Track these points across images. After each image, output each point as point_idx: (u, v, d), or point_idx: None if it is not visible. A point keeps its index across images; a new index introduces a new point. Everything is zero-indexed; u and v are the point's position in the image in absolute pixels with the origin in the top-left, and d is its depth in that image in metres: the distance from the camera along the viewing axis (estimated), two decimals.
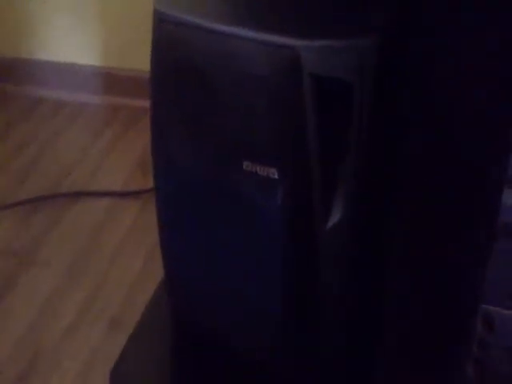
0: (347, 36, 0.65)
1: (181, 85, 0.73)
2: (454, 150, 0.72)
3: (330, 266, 0.74)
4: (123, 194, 1.37)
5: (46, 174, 1.43)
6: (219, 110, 0.71)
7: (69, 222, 1.31)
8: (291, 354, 0.82)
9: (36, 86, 1.66)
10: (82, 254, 1.24)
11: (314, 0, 0.70)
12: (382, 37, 0.65)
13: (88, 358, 1.06)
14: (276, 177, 0.70)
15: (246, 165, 0.71)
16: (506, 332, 0.70)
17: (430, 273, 0.79)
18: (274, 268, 0.76)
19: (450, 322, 0.79)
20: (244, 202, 0.74)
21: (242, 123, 0.71)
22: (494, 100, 0.68)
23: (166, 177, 0.80)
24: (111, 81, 1.63)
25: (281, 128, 0.69)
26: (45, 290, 1.17)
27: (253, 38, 0.67)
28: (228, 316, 0.83)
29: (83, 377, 1.03)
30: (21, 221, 1.32)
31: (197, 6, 0.72)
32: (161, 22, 0.72)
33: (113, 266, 1.22)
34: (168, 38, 0.72)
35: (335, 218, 0.71)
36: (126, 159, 1.47)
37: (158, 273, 0.94)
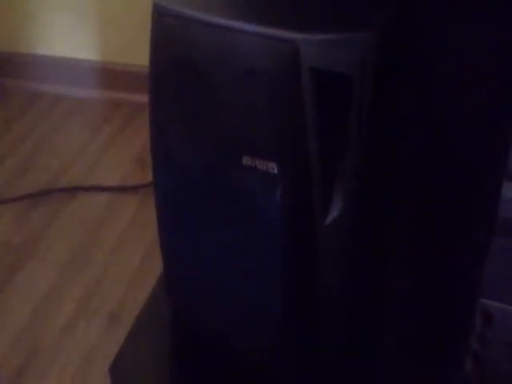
0: (347, 30, 0.65)
1: (180, 79, 0.73)
2: (453, 149, 0.72)
3: (330, 264, 0.74)
4: (122, 190, 1.37)
5: (44, 169, 1.43)
6: (218, 104, 0.71)
7: (67, 217, 1.31)
8: (291, 354, 0.81)
9: (35, 81, 1.66)
10: (80, 250, 1.24)
11: None
12: (382, 32, 0.65)
13: (87, 354, 1.06)
14: (275, 172, 0.70)
15: (246, 160, 0.71)
16: (505, 327, 0.70)
17: (430, 271, 0.79)
18: (273, 265, 0.76)
19: (450, 320, 0.79)
20: (243, 199, 0.74)
21: (241, 118, 0.70)
22: (494, 99, 0.68)
23: (165, 173, 0.80)
24: (110, 76, 1.63)
25: (280, 123, 0.69)
26: (43, 285, 1.17)
27: (252, 32, 0.66)
28: (227, 315, 0.83)
29: (82, 373, 1.03)
30: (19, 216, 1.31)
31: (196, 0, 0.72)
32: (160, 16, 0.72)
33: (111, 262, 1.22)
34: (167, 33, 0.72)
35: (334, 214, 0.71)
36: (124, 154, 1.47)
37: (156, 268, 0.94)
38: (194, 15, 0.69)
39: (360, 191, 0.71)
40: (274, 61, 0.66)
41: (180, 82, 0.73)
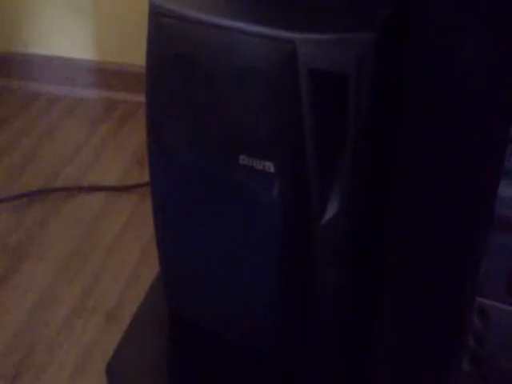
0: (345, 30, 0.65)
1: (177, 78, 0.73)
2: (451, 147, 0.72)
3: (327, 261, 0.74)
4: (119, 189, 1.37)
5: (41, 169, 1.42)
6: (215, 104, 0.71)
7: (64, 217, 1.31)
8: (289, 347, 0.82)
9: (31, 81, 1.66)
10: (77, 249, 1.24)
11: None
12: (380, 31, 0.65)
13: (84, 353, 1.06)
14: (272, 171, 0.70)
15: (243, 159, 0.71)
16: (502, 326, 0.70)
17: (427, 270, 0.79)
18: (270, 264, 0.76)
19: (446, 319, 0.79)
20: (240, 197, 0.74)
21: (238, 117, 0.70)
22: (492, 98, 0.68)
23: (161, 172, 0.80)
24: (107, 75, 1.63)
25: (277, 122, 0.69)
26: (41, 284, 1.17)
27: (250, 32, 0.67)
28: (226, 312, 0.83)
29: (80, 370, 1.03)
30: (16, 215, 1.31)
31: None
32: (157, 15, 0.72)
33: (109, 260, 1.22)
34: (164, 32, 0.72)
35: (331, 213, 0.71)
36: (121, 154, 1.47)
37: (153, 267, 0.94)
38: (191, 15, 0.69)
39: (357, 191, 0.71)
40: (272, 60, 0.67)
41: (177, 80, 0.73)
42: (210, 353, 0.86)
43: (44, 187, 1.37)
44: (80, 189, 1.37)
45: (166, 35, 0.72)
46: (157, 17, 0.72)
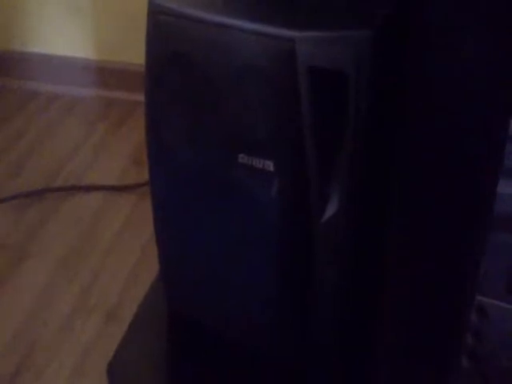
0: (343, 28, 0.65)
1: (176, 77, 0.73)
2: (451, 146, 0.72)
3: (326, 260, 0.74)
4: (117, 188, 1.37)
5: (40, 168, 1.42)
6: (214, 102, 0.71)
7: (63, 216, 1.31)
8: (289, 345, 0.82)
9: (30, 79, 1.66)
10: (76, 248, 1.24)
11: None
12: (378, 30, 0.65)
13: (84, 353, 1.06)
14: (272, 169, 0.70)
15: (242, 157, 0.71)
16: (501, 324, 0.70)
17: (426, 268, 0.79)
18: (270, 260, 0.76)
19: (445, 317, 0.79)
20: (240, 196, 0.74)
21: (237, 116, 0.70)
22: (492, 97, 0.68)
23: (161, 170, 0.80)
24: (105, 74, 1.62)
25: (277, 120, 0.69)
26: (40, 283, 1.17)
27: (249, 29, 0.66)
28: (225, 308, 0.83)
29: (80, 370, 1.03)
30: (15, 215, 1.31)
31: None
32: (156, 13, 0.72)
33: (108, 260, 1.22)
34: (163, 30, 0.72)
35: (331, 212, 0.71)
36: (120, 153, 1.47)
37: (153, 267, 0.94)
38: (190, 13, 0.69)
39: (357, 190, 0.71)
40: (271, 58, 0.66)
41: (176, 79, 0.73)
42: (209, 352, 0.86)
43: (42, 187, 1.37)
44: (79, 188, 1.37)
45: (165, 34, 0.72)
46: (156, 15, 0.72)
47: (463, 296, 0.73)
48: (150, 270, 1.00)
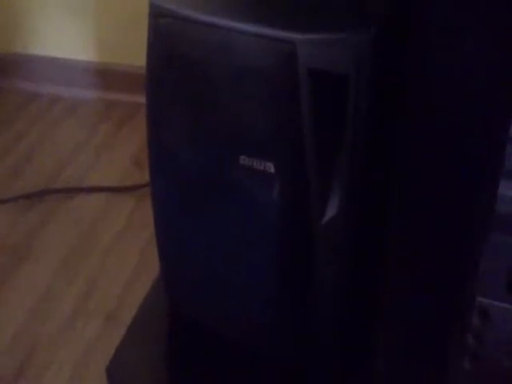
0: (343, 30, 0.65)
1: (177, 78, 0.73)
2: (451, 146, 0.72)
3: (326, 260, 0.74)
4: (118, 190, 1.37)
5: (40, 170, 1.42)
6: (215, 104, 0.71)
7: (64, 218, 1.31)
8: (289, 345, 0.82)
9: (31, 81, 1.66)
10: (77, 249, 1.24)
11: None
12: (378, 31, 0.65)
13: (84, 354, 1.06)
14: (272, 171, 0.70)
15: (243, 159, 0.71)
16: (502, 325, 0.70)
17: (426, 269, 0.79)
18: (270, 261, 0.76)
19: (446, 318, 0.79)
20: (240, 198, 0.74)
21: (238, 117, 0.71)
22: (492, 97, 0.68)
23: (162, 171, 0.80)
24: (107, 76, 1.62)
25: (277, 122, 0.69)
26: (40, 285, 1.17)
27: (249, 32, 0.67)
28: (225, 308, 0.83)
29: (80, 372, 1.03)
30: (15, 216, 1.31)
31: (193, 0, 0.72)
32: (156, 15, 0.72)
33: (108, 261, 1.22)
34: (164, 32, 0.72)
35: (331, 213, 0.71)
36: (121, 155, 1.47)
37: (153, 268, 0.94)
38: (191, 15, 0.70)
39: (357, 190, 0.71)
40: (271, 60, 0.67)
41: (177, 81, 0.73)
42: (209, 352, 0.86)
43: (43, 188, 1.37)
44: (80, 189, 1.37)
45: (165, 35, 0.72)
46: (157, 17, 0.72)
47: (463, 296, 0.73)
48: (151, 270, 1.00)
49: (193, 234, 0.80)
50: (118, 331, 1.01)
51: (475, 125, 0.68)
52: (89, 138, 1.52)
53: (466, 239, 0.74)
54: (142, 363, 0.89)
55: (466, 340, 0.72)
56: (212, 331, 0.86)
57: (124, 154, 1.47)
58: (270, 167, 0.70)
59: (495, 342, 0.71)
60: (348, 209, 0.71)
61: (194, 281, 0.84)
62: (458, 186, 0.72)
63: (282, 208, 0.72)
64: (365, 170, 0.71)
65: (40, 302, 1.14)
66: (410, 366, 0.79)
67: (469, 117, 0.68)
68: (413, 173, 0.73)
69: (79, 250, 1.24)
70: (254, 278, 0.78)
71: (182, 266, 0.84)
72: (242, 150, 0.71)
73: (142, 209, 1.31)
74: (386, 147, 0.74)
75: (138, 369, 0.89)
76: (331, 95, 0.67)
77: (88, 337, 1.08)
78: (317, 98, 0.67)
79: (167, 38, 0.72)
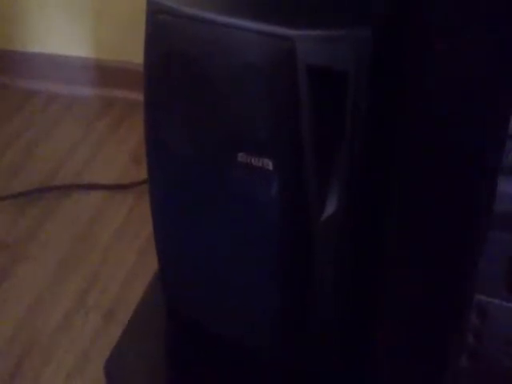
0: (343, 26, 0.65)
1: (175, 75, 0.73)
2: (450, 144, 0.72)
3: (326, 259, 0.74)
4: (116, 187, 1.37)
5: (38, 167, 1.42)
6: (214, 101, 0.71)
7: (62, 215, 1.31)
8: (289, 345, 0.82)
9: (29, 78, 1.66)
10: (75, 247, 1.24)
11: None
12: (378, 28, 0.65)
13: (82, 352, 1.06)
14: (271, 168, 0.70)
15: (241, 156, 0.71)
16: (500, 323, 0.70)
17: (425, 267, 0.79)
18: (269, 259, 0.76)
19: (445, 316, 0.79)
20: (239, 195, 0.74)
21: (237, 114, 0.70)
22: (492, 95, 0.68)
23: (160, 169, 0.79)
24: (104, 73, 1.62)
25: (276, 118, 0.69)
26: (38, 283, 1.17)
27: (248, 28, 0.66)
28: (224, 308, 0.83)
29: (78, 369, 1.03)
30: (14, 214, 1.31)
31: None
32: (154, 12, 0.72)
33: (107, 259, 1.22)
34: (162, 29, 0.72)
35: (330, 211, 0.71)
36: (119, 152, 1.47)
37: (152, 266, 0.94)
38: (189, 12, 0.69)
39: (356, 189, 0.71)
40: (270, 57, 0.66)
41: (175, 78, 0.73)
42: (209, 352, 0.86)
43: (41, 186, 1.37)
44: (78, 187, 1.37)
45: (163, 32, 0.72)
46: (155, 14, 0.72)
47: (463, 296, 0.73)
48: (149, 269, 1.00)
49: (191, 232, 0.80)
50: (116, 329, 1.01)
51: (475, 125, 0.68)
52: (87, 136, 1.52)
53: (465, 239, 0.74)
54: (140, 361, 0.89)
55: (465, 339, 0.72)
56: (210, 330, 0.86)
57: (122, 152, 1.46)
58: (269, 164, 0.70)
59: (494, 341, 0.71)
60: (347, 207, 0.71)
61: (193, 280, 0.84)
62: (457, 185, 0.72)
63: (281, 206, 0.72)
64: (364, 169, 0.70)
65: (38, 299, 1.14)
66: (409, 365, 0.79)
67: (469, 117, 0.68)
68: (412, 172, 0.73)
69: (78, 248, 1.24)
70: (253, 277, 0.78)
71: (179, 265, 0.84)
72: (241, 148, 0.71)
73: (141, 206, 1.31)
74: (386, 146, 0.74)
75: (135, 367, 0.89)
76: (330, 93, 0.66)
77: (86, 335, 1.08)
78: (316, 96, 0.66)
79: (165, 35, 0.72)
